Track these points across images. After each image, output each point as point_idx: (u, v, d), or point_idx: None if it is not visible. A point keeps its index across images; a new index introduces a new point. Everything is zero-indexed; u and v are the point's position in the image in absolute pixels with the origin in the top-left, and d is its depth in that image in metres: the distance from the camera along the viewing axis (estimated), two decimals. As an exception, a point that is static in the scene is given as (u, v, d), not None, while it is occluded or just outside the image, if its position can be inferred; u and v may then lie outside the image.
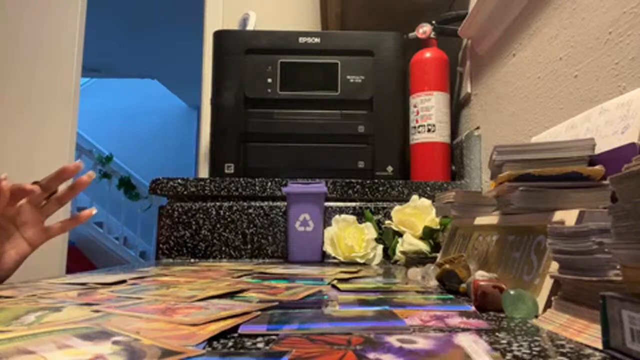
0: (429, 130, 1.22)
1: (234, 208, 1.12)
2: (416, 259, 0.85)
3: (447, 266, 0.52)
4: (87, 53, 2.29)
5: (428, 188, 1.13)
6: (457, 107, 1.31)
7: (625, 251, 0.26)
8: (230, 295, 0.46)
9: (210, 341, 0.29)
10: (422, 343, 0.28)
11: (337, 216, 1.03)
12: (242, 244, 1.11)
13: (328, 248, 1.00)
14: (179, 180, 1.14)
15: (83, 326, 0.31)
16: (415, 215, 0.97)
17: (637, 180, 0.25)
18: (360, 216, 1.07)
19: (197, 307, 0.39)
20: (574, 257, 0.33)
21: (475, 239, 0.62)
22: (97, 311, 0.37)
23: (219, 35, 1.29)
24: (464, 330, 0.32)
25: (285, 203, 1.06)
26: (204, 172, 1.76)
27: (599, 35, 0.65)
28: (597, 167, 0.46)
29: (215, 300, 0.43)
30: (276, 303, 0.42)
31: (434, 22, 1.26)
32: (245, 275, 0.66)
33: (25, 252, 0.71)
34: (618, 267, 0.29)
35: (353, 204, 1.13)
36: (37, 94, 2.07)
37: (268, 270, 0.72)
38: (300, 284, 0.57)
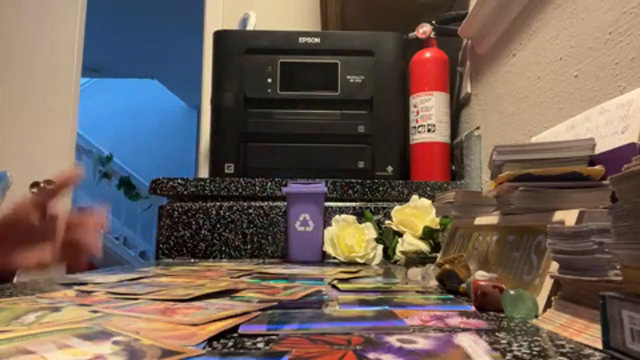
0: (429, 130, 1.22)
1: (234, 208, 1.12)
2: (416, 259, 0.85)
3: (447, 266, 0.52)
4: (87, 53, 2.29)
5: (428, 188, 1.13)
6: (457, 107, 1.31)
7: (625, 251, 0.26)
8: (230, 295, 0.46)
9: (210, 341, 0.29)
10: (422, 343, 0.28)
11: (337, 216, 1.03)
12: (242, 244, 1.11)
13: (328, 248, 1.00)
14: (179, 180, 1.14)
15: (83, 326, 0.31)
16: (415, 215, 0.97)
17: (637, 180, 0.25)
18: (360, 216, 1.07)
19: (197, 307, 0.39)
20: (574, 257, 0.33)
21: (475, 239, 0.62)
22: (96, 311, 0.37)
23: (219, 35, 1.29)
24: (464, 330, 0.32)
25: (285, 203, 1.06)
26: (204, 172, 1.75)
27: (599, 35, 0.65)
28: (597, 167, 0.46)
29: (215, 300, 0.43)
30: (275, 303, 0.42)
31: (434, 22, 1.27)
32: (244, 275, 0.66)
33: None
34: (618, 267, 0.29)
35: (353, 204, 1.13)
36: (37, 94, 2.07)
37: (268, 270, 0.72)
38: (298, 283, 0.57)
